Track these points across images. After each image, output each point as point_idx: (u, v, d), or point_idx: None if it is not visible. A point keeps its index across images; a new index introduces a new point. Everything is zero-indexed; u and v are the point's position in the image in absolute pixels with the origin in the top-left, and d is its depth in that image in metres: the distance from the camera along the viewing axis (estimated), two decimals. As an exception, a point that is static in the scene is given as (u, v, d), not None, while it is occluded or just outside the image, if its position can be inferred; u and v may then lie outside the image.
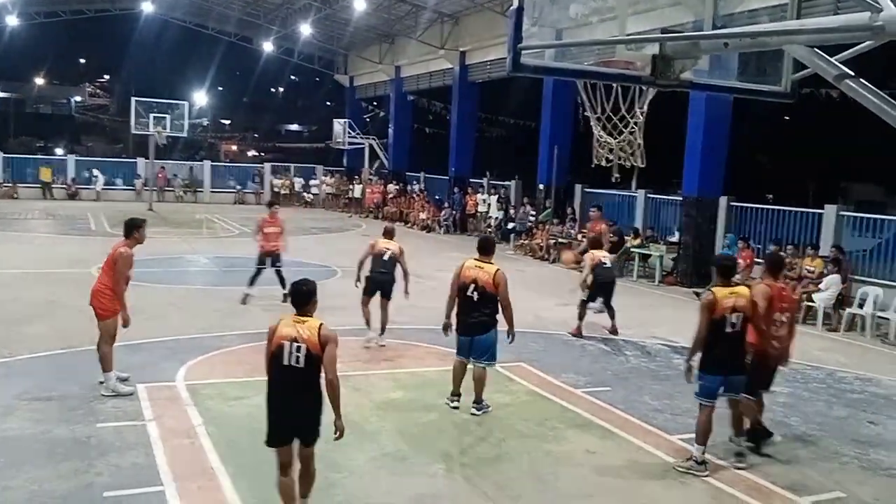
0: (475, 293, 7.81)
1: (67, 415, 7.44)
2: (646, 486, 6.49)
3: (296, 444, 5.32)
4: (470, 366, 8.04)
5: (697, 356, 6.85)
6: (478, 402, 8.06)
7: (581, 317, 11.89)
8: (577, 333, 11.79)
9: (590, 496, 6.27)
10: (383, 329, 10.55)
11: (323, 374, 5.14)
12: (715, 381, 6.75)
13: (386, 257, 10.43)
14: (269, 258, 13.19)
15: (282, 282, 12.91)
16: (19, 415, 7.41)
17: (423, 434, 7.45)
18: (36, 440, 6.82)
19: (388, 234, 10.90)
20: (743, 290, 6.92)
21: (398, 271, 10.51)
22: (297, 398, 5.19)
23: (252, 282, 13.05)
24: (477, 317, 7.84)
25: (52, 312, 11.83)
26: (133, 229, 8.25)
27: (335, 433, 5.23)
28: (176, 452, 6.62)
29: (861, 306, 13.30)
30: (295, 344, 5.11)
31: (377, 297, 10.50)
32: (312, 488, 5.47)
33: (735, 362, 6.82)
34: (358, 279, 10.64)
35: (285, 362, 5.12)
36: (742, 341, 6.88)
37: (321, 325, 5.19)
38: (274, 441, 5.29)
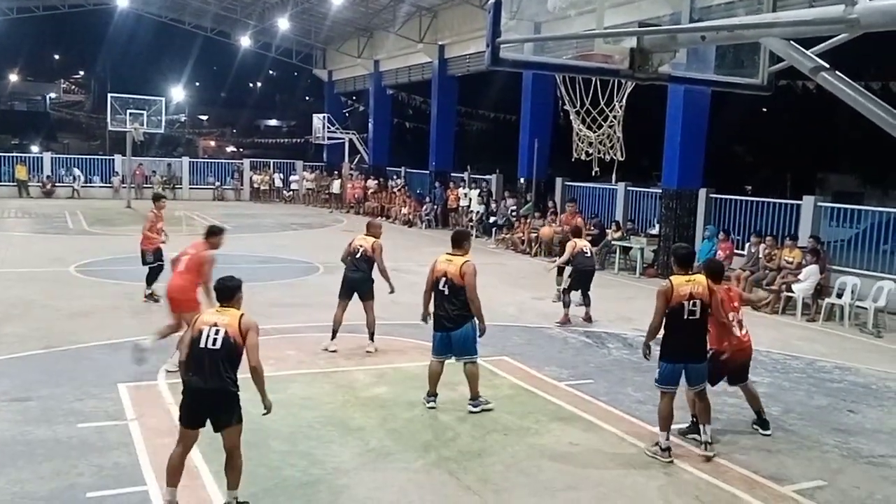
0: (445, 287, 7.81)
1: (48, 415, 7.38)
2: (629, 477, 6.53)
3: (218, 436, 5.48)
4: (451, 361, 8.02)
5: (655, 344, 7.00)
6: (474, 398, 7.97)
7: (566, 304, 12.10)
8: (566, 321, 11.94)
9: (573, 488, 6.30)
10: (371, 334, 10.05)
11: (247, 362, 5.43)
12: (674, 368, 6.86)
13: (358, 255, 9.92)
14: (155, 254, 12.75)
15: (153, 279, 12.72)
16: (-2, 416, 7.34)
17: (407, 429, 7.46)
18: (16, 441, 6.75)
19: (369, 228, 10.33)
20: (700, 278, 7.02)
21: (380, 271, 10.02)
22: (210, 378, 5.34)
23: (151, 281, 12.72)
24: (449, 310, 7.82)
25: (30, 312, 11.71)
26: (213, 235, 9.18)
27: (264, 411, 5.58)
28: (158, 452, 6.55)
29: (839, 296, 13.43)
30: (214, 328, 5.41)
31: (357, 302, 9.97)
32: (240, 480, 5.53)
33: (694, 350, 6.92)
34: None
35: (201, 345, 5.38)
36: (702, 329, 6.98)
37: (242, 314, 5.55)
38: (186, 420, 5.49)
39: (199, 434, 5.56)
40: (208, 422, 5.48)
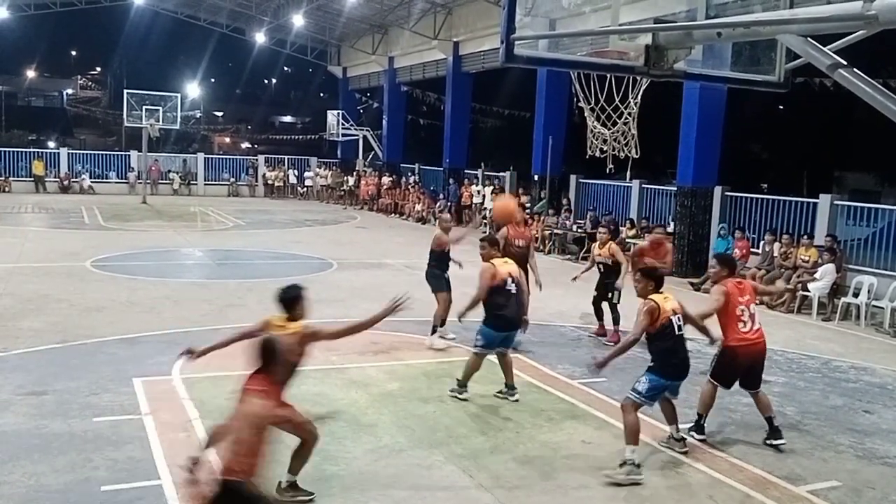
0: (513, 285, 8.15)
1: (63, 409, 7.43)
2: (642, 475, 6.50)
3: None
4: (492, 357, 8.28)
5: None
6: (514, 387, 8.31)
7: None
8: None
9: (586, 486, 6.28)
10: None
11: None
12: (663, 385, 6.59)
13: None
14: None
15: None
16: (15, 410, 7.40)
17: (420, 426, 7.46)
18: (32, 435, 6.81)
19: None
20: (672, 295, 6.84)
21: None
22: None
23: None
24: (518, 309, 8.20)
25: (47, 306, 11.80)
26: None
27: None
28: (172, 446, 6.61)
29: (856, 295, 13.34)
30: None
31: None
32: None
33: (687, 367, 6.73)
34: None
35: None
36: (685, 344, 6.78)
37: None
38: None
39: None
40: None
